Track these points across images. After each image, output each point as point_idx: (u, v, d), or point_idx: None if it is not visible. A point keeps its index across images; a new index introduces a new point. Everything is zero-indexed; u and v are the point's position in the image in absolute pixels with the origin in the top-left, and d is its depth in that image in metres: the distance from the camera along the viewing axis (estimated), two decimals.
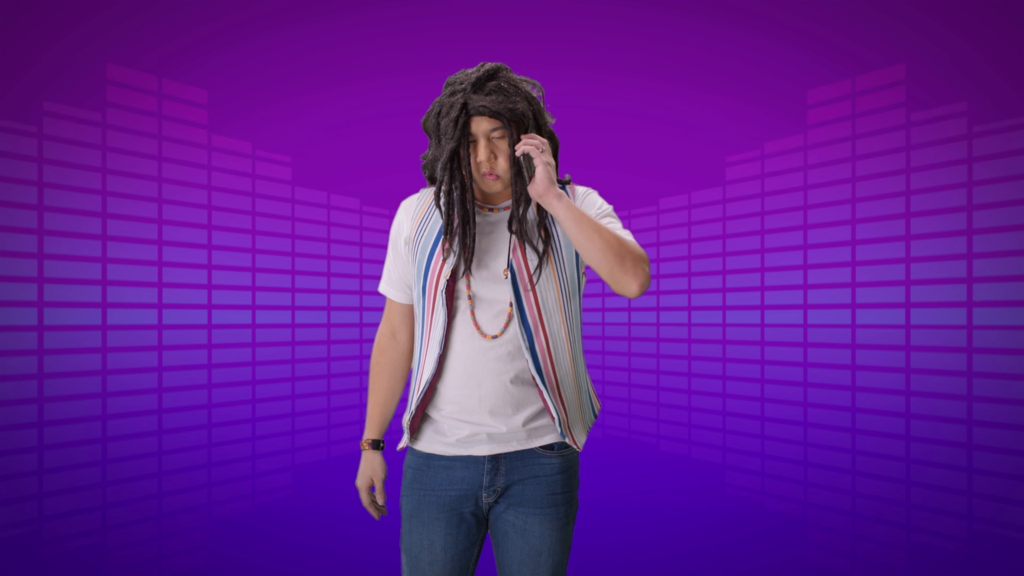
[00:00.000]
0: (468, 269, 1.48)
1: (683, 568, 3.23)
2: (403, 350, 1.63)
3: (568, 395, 1.52)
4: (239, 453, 5.26)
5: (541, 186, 1.41)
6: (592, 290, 7.66)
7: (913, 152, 4.85)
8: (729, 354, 6.09)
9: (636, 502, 4.11)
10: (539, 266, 1.49)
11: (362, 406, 6.23)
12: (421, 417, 1.54)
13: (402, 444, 1.58)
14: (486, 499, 1.51)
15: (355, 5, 5.42)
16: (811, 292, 5.47)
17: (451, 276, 1.48)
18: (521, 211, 1.48)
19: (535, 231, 1.50)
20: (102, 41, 4.73)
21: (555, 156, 1.56)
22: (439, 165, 1.46)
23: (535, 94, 1.52)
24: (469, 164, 1.45)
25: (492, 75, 1.46)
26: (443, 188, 1.47)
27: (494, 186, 1.48)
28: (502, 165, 1.46)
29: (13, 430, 4.29)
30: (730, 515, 3.96)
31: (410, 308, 1.61)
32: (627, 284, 1.42)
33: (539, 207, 1.50)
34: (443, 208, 1.47)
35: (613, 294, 7.13)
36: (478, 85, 1.44)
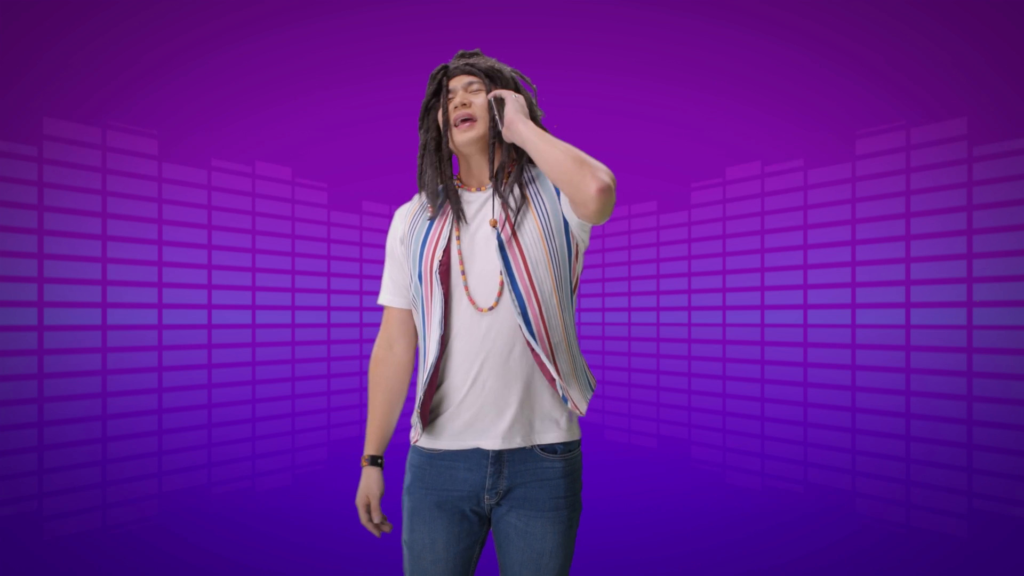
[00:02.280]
0: (459, 220, 1.51)
1: (683, 568, 3.23)
2: (399, 362, 1.62)
3: (563, 361, 1.51)
4: (239, 453, 5.26)
5: (508, 118, 1.46)
6: (592, 290, 7.66)
7: (913, 152, 4.85)
8: (729, 354, 6.09)
9: (636, 502, 4.11)
10: (519, 209, 1.49)
11: (362, 406, 6.23)
12: (429, 407, 1.52)
13: (415, 438, 1.57)
14: (488, 500, 1.51)
15: (355, 5, 5.42)
16: (811, 292, 5.48)
17: (444, 254, 1.49)
18: (496, 156, 1.52)
19: (510, 189, 1.52)
20: (102, 41, 4.73)
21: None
22: (419, 120, 1.55)
23: (525, 88, 1.61)
24: (446, 115, 1.51)
25: (475, 53, 1.58)
26: (421, 144, 1.55)
27: (467, 136, 1.50)
28: (479, 107, 1.51)
29: (13, 430, 4.29)
30: (730, 515, 3.96)
31: (409, 314, 1.60)
32: (585, 187, 1.37)
33: (514, 178, 1.53)
34: (426, 162, 1.54)
35: (613, 293, 7.14)
36: (462, 56, 1.57)
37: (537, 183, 1.54)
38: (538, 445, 1.52)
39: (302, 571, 3.19)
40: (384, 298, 1.61)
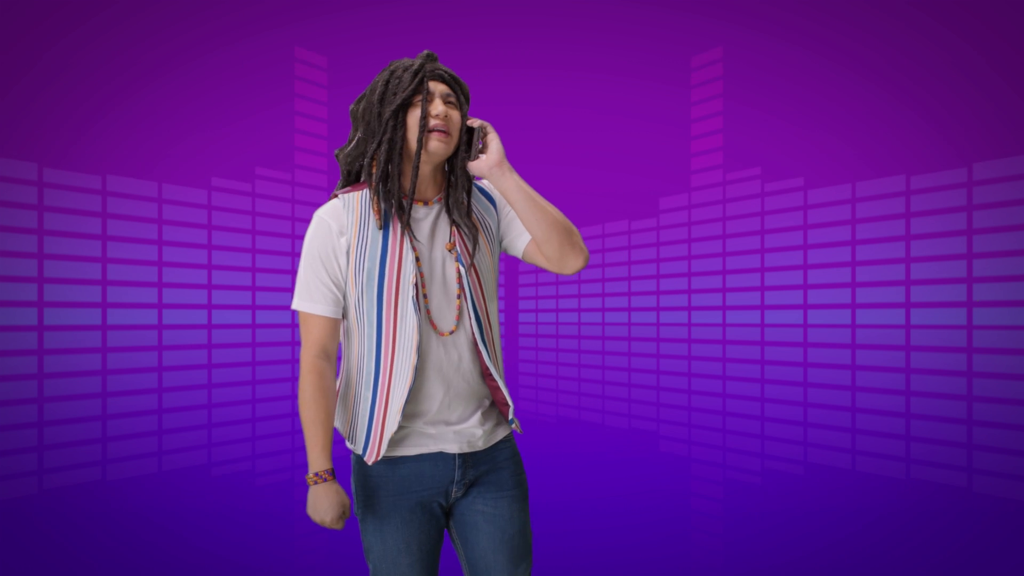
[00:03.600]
0: (413, 238, 1.46)
1: (683, 568, 3.23)
2: (335, 370, 1.55)
3: (503, 383, 1.55)
4: (239, 453, 5.26)
5: (496, 156, 1.44)
6: (593, 290, 7.65)
7: (913, 152, 4.85)
8: (729, 354, 6.09)
9: (635, 502, 4.11)
10: (475, 241, 1.49)
11: None
12: (396, 428, 1.50)
13: (373, 459, 1.51)
14: (456, 493, 1.53)
15: (355, 5, 5.42)
16: (811, 292, 5.48)
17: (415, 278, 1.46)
18: (457, 183, 1.49)
19: (465, 214, 1.51)
20: (102, 41, 4.73)
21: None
22: (387, 111, 1.43)
23: None
24: (423, 117, 1.43)
25: (437, 58, 1.51)
26: (386, 136, 1.44)
27: (443, 147, 1.44)
28: (454, 124, 1.46)
29: (13, 430, 4.29)
30: (730, 515, 3.96)
31: (339, 324, 1.52)
32: (573, 259, 1.48)
33: (469, 205, 1.51)
34: (385, 153, 1.44)
35: (613, 293, 7.15)
36: (433, 58, 1.50)
37: (479, 206, 1.55)
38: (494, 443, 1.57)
39: (302, 571, 3.19)
40: (307, 305, 1.49)
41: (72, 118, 4.68)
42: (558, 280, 7.97)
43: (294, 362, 6.24)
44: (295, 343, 6.26)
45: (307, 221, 6.39)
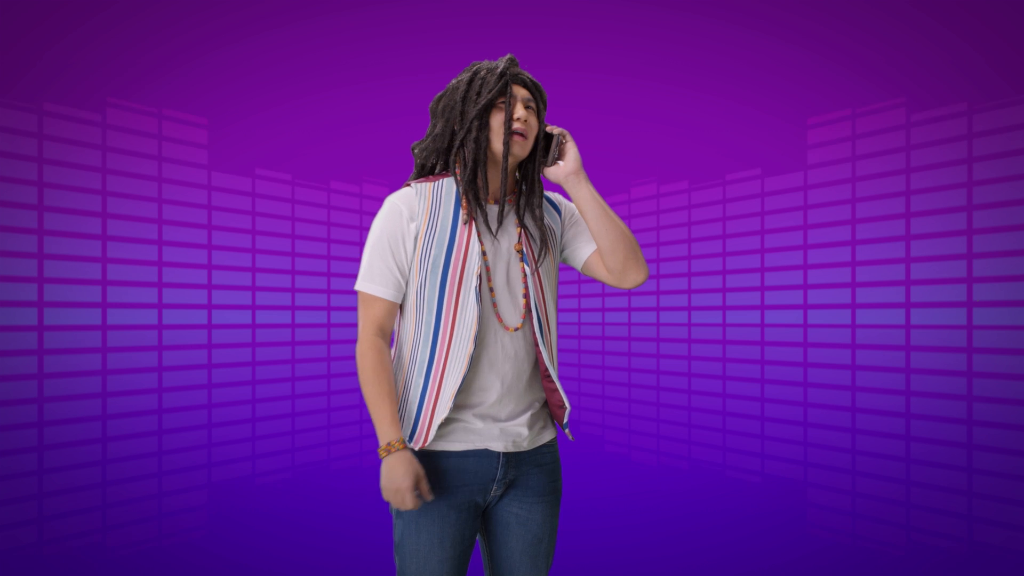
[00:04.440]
0: (481, 234, 1.50)
1: (683, 568, 3.23)
2: (390, 349, 1.57)
3: (560, 385, 1.57)
4: (239, 453, 5.26)
5: (573, 164, 1.51)
6: (592, 290, 7.65)
7: (913, 152, 4.85)
8: (729, 354, 6.09)
9: (636, 502, 4.11)
10: (542, 247, 1.54)
11: (362, 406, 6.23)
12: (445, 417, 1.50)
13: (420, 445, 1.50)
14: (495, 491, 1.53)
15: (355, 5, 5.42)
16: (811, 292, 5.48)
17: (479, 270, 1.49)
18: (532, 188, 1.54)
19: (538, 220, 1.56)
20: (102, 41, 4.73)
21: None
22: (471, 111, 1.49)
23: None
24: (510, 121, 1.49)
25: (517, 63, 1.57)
26: (471, 136, 1.49)
27: (523, 149, 1.51)
28: (532, 129, 1.52)
29: (13, 430, 4.29)
30: (730, 515, 3.96)
31: (396, 307, 1.55)
32: (635, 273, 1.53)
33: (539, 211, 1.55)
34: (471, 152, 1.49)
35: (613, 293, 7.15)
36: (515, 63, 1.55)
37: (546, 214, 1.60)
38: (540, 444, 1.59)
39: (302, 571, 3.19)
40: (376, 289, 1.52)
41: (73, 118, 4.68)
42: (558, 281, 7.97)
43: (294, 362, 6.24)
44: (295, 343, 6.26)
45: (307, 221, 6.39)
